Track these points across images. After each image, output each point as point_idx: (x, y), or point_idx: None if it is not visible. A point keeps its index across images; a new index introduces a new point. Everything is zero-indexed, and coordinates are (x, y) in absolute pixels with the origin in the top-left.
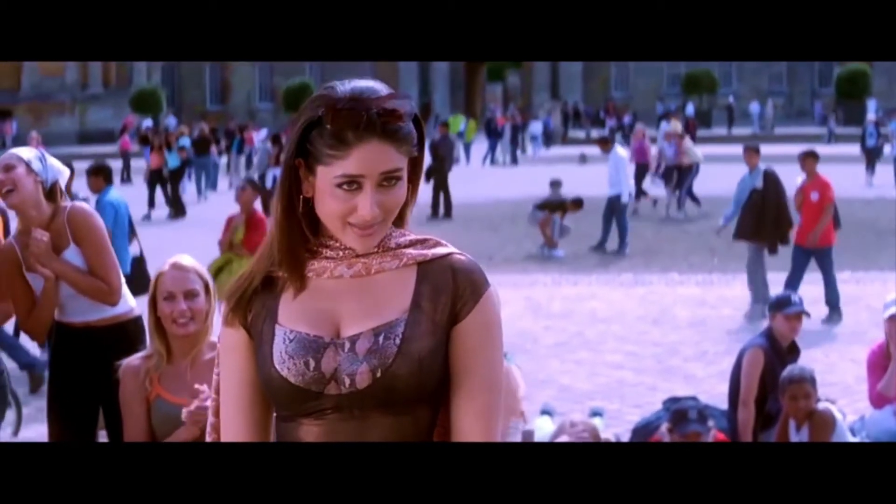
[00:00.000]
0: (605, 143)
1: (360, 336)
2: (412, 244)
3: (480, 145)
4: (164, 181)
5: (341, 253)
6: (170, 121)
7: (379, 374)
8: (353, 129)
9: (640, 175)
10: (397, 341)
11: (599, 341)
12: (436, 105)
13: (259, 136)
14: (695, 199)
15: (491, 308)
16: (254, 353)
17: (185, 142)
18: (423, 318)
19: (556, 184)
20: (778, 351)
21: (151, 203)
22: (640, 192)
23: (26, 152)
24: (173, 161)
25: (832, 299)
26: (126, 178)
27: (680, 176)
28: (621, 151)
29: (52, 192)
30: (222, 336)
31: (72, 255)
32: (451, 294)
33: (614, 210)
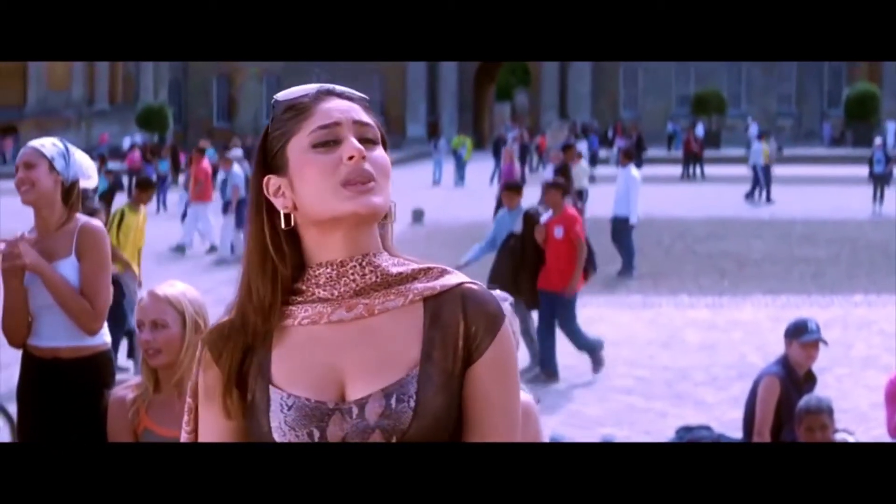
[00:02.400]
0: (628, 156)
1: (368, 399)
2: (416, 275)
3: (482, 164)
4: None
5: (336, 293)
6: (134, 138)
7: (394, 440)
8: (308, 96)
9: None
10: (412, 404)
11: (609, 365)
12: (444, 124)
13: None
14: None
15: (507, 343)
16: (238, 405)
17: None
18: (434, 371)
19: None
20: (794, 379)
21: None
22: None
23: (50, 147)
24: (101, 184)
25: (586, 347)
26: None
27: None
28: (635, 172)
29: (70, 191)
30: (200, 384)
31: (68, 265)
32: (462, 335)
33: (620, 231)
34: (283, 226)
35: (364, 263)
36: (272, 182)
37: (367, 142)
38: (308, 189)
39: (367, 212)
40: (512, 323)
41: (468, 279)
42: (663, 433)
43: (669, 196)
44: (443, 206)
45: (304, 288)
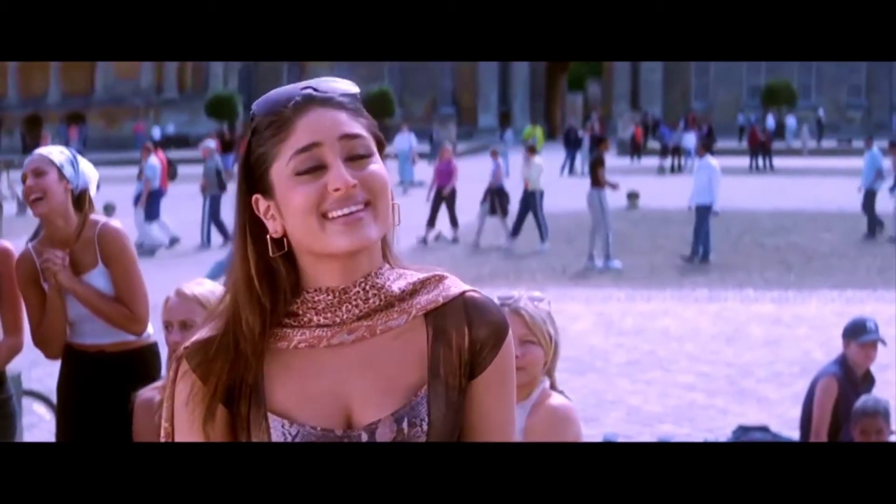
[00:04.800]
0: (706, 147)
1: (377, 424)
2: (417, 288)
3: (553, 155)
4: None
5: (338, 319)
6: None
7: None
8: (288, 106)
9: (438, 201)
10: (424, 427)
11: (671, 360)
12: (515, 114)
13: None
14: (541, 228)
15: (510, 354)
16: (221, 428)
17: None
18: (443, 390)
19: (633, 196)
20: (852, 380)
21: None
22: (433, 220)
23: (58, 155)
24: None
25: None
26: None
27: (523, 201)
28: (713, 161)
29: (80, 200)
30: (181, 405)
31: (98, 275)
32: (467, 348)
33: (701, 219)
34: (271, 252)
35: (367, 287)
36: (261, 203)
37: (357, 158)
38: (295, 221)
39: (362, 246)
40: (546, 323)
41: (469, 287)
42: (723, 431)
43: (738, 188)
44: (512, 198)
45: (299, 312)
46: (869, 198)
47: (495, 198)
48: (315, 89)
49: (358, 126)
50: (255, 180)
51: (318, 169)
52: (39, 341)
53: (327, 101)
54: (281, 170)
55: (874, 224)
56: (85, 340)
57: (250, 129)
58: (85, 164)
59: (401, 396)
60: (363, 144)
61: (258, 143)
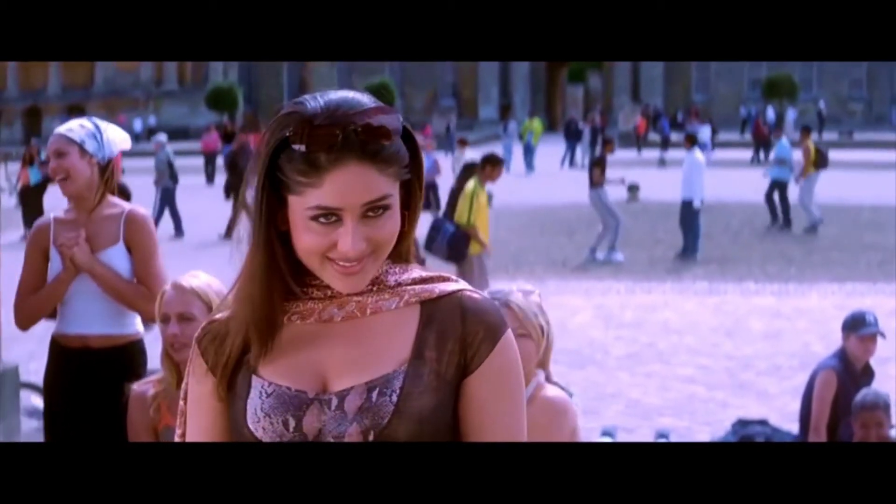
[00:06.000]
0: (691, 140)
1: (349, 391)
2: (415, 282)
3: (554, 147)
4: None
5: (330, 292)
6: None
7: (371, 437)
8: (326, 150)
9: None
10: (394, 398)
11: (671, 353)
12: (516, 107)
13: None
14: None
15: (509, 354)
16: (226, 407)
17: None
18: (425, 371)
19: (633, 188)
20: (851, 373)
21: (28, 223)
22: None
23: (78, 130)
24: (34, 176)
25: None
26: (210, 178)
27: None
28: (699, 155)
29: (105, 169)
30: (190, 383)
31: (116, 253)
32: (459, 340)
33: (685, 214)
34: (279, 247)
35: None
36: (272, 200)
37: (373, 215)
38: (298, 246)
39: (349, 290)
40: (538, 315)
41: (468, 287)
42: (723, 424)
43: (739, 180)
44: (513, 191)
45: (295, 291)
46: (776, 189)
47: (429, 192)
48: (357, 130)
49: (385, 182)
50: (273, 176)
51: (335, 220)
52: (23, 309)
53: (365, 153)
54: (300, 206)
55: (775, 214)
56: (69, 330)
57: (278, 125)
58: (112, 132)
59: (379, 369)
60: (381, 204)
61: (288, 162)
